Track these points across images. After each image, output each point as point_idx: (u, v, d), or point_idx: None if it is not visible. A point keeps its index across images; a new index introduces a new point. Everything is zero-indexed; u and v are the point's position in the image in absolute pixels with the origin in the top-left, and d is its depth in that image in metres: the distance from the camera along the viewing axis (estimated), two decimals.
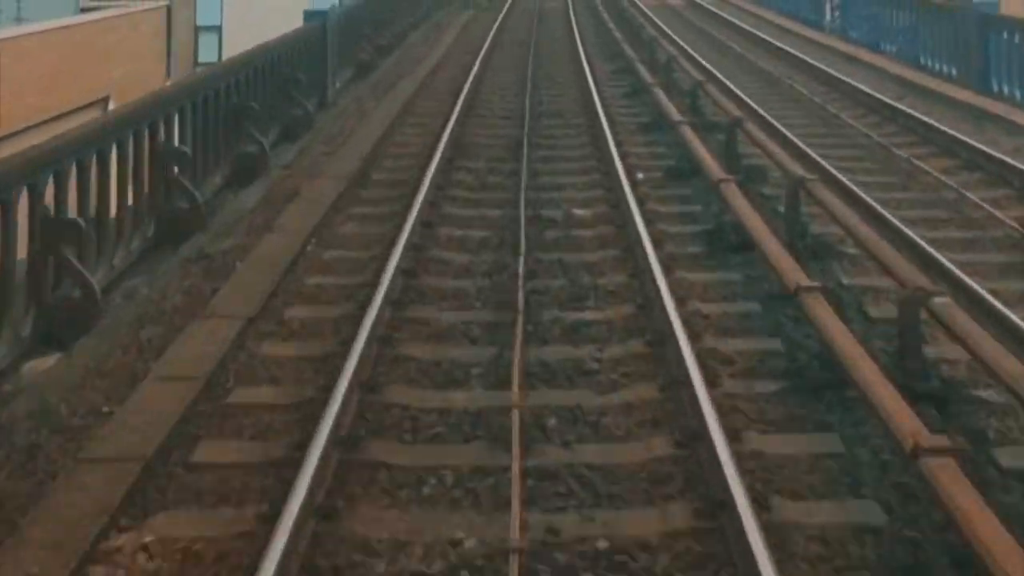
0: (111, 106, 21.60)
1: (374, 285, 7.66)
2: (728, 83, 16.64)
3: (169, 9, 30.99)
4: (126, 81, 24.46)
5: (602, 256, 8.92)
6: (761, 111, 14.58)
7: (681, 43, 21.74)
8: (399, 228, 9.07)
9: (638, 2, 33.28)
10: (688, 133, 11.94)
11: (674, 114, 13.17)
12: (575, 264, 8.65)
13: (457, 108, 14.32)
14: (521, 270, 8.40)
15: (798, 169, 9.88)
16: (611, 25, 25.38)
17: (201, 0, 60.47)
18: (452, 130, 13.09)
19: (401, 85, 16.88)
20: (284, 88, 13.35)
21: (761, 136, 11.40)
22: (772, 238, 8.03)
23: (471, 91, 16.05)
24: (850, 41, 23.43)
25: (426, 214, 9.80)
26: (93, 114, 17.88)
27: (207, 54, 58.45)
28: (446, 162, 11.76)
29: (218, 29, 58.63)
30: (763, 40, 22.97)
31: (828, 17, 24.90)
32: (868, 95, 15.94)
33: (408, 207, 9.73)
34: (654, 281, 7.69)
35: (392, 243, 8.66)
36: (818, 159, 11.63)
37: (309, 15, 15.80)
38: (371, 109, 15.26)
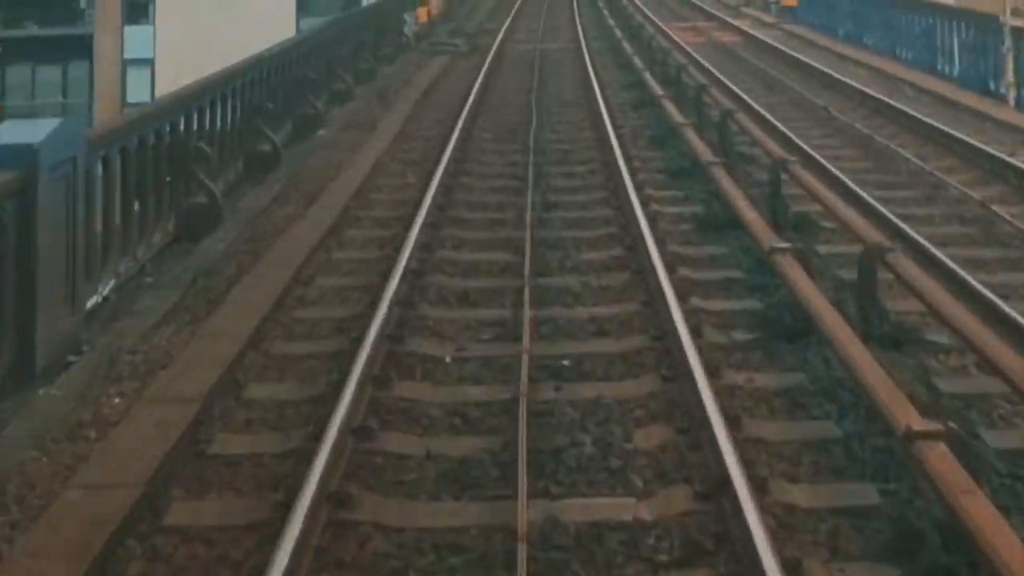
0: None
1: None
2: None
3: None
4: None
5: None
6: None
7: (807, 147, 13.43)
8: None
9: (676, 38, 23.54)
10: None
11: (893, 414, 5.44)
12: None
13: (353, 381, 6.43)
14: None
15: None
16: (658, 90, 17.15)
17: (130, 29, 52.28)
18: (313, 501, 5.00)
19: (246, 285, 8.84)
20: None
21: None
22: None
23: (403, 295, 8.37)
24: None
25: None
26: None
27: (137, 92, 50.54)
28: None
29: (150, 63, 50.94)
30: (940, 135, 14.11)
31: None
32: None
33: None
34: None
35: None
36: None
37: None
38: (166, 371, 6.20)
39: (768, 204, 10.13)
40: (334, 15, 39.87)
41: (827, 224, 9.85)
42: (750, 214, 8.67)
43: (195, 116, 10.63)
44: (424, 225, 9.80)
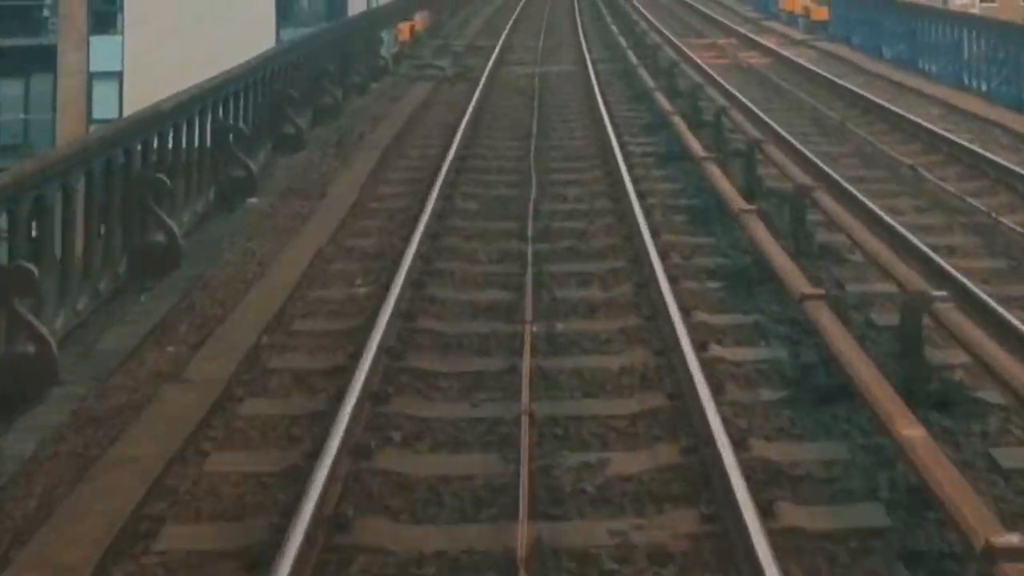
0: None
1: None
2: None
3: None
4: None
5: None
6: None
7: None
8: None
9: (696, 58, 20.67)
10: None
11: None
12: None
13: None
14: None
15: None
16: (695, 146, 13.80)
17: (97, 40, 49.57)
18: None
19: (52, 529, 5.21)
20: None
21: None
22: None
23: None
24: None
25: None
26: None
27: (104, 107, 47.72)
28: None
29: (118, 76, 48.22)
30: None
31: None
32: None
33: None
34: None
35: None
36: None
37: None
38: None
39: (901, 363, 6.58)
40: (317, 24, 36.47)
41: (990, 397, 6.32)
42: (906, 428, 5.05)
43: (25, 211, 7.07)
44: (363, 396, 6.26)
